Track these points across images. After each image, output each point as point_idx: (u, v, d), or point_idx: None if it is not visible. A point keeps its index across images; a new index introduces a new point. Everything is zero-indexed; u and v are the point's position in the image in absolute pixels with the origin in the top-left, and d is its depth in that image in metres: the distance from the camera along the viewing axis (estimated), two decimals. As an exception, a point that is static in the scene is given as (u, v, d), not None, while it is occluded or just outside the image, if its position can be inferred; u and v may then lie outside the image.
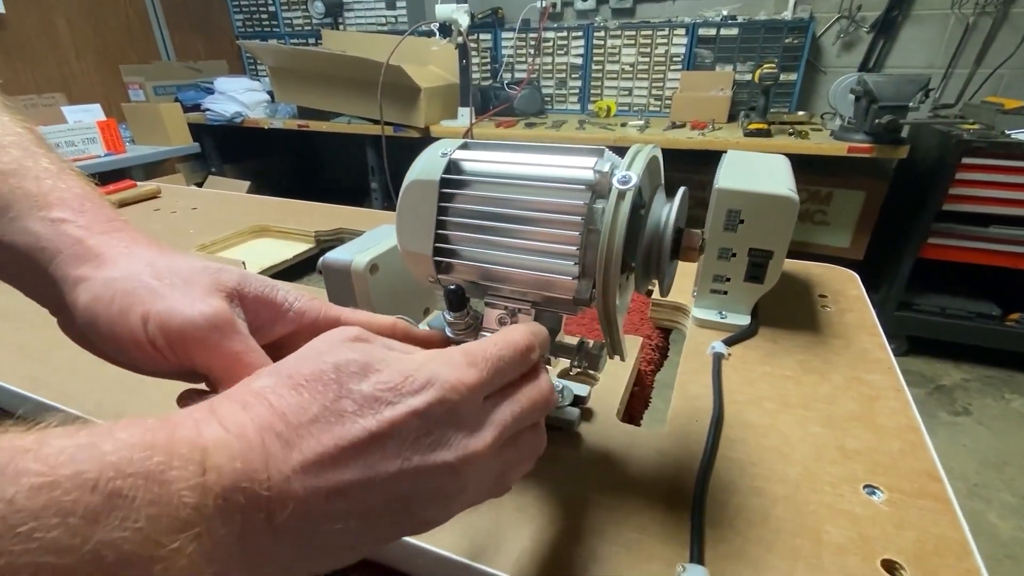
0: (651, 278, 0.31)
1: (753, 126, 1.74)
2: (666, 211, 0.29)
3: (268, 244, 0.81)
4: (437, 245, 0.32)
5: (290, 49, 2.32)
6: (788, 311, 0.54)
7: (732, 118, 2.09)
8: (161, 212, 0.90)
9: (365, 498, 0.17)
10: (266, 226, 0.83)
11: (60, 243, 0.23)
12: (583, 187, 0.29)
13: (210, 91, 2.63)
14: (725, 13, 2.21)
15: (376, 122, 2.16)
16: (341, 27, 2.87)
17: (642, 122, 2.10)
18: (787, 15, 2.11)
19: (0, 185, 0.24)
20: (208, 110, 2.55)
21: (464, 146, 0.33)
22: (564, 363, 0.45)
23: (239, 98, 2.54)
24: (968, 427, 1.55)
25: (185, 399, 0.24)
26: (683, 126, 2.03)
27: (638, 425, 0.43)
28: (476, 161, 0.32)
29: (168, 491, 0.14)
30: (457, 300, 0.31)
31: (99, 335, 0.22)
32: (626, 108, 2.43)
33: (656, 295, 0.58)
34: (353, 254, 0.37)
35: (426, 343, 0.31)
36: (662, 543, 0.30)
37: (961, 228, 1.58)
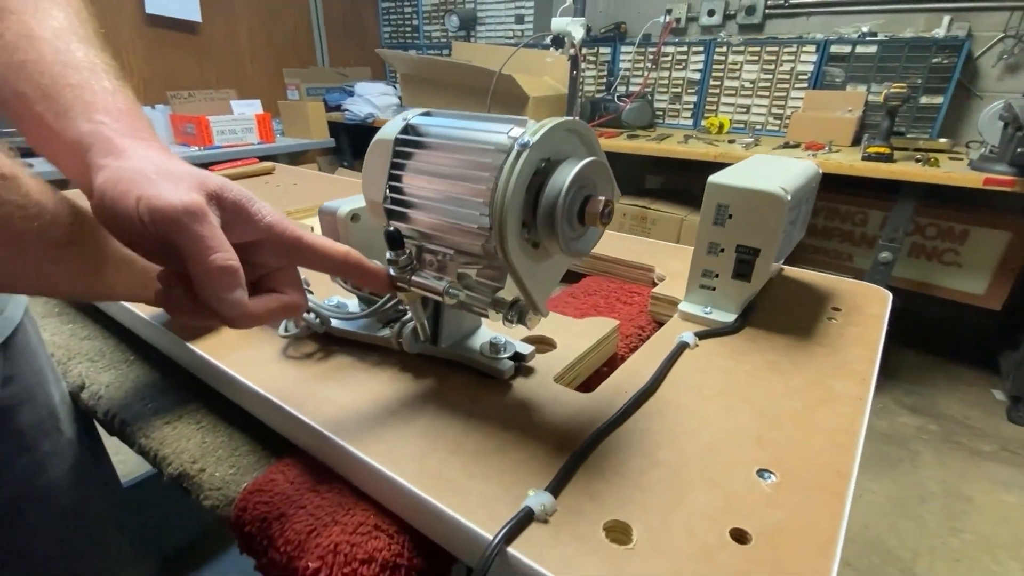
0: (556, 238, 0.34)
1: (873, 150, 1.59)
2: (565, 175, 0.32)
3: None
4: (389, 195, 0.38)
5: (417, 57, 2.54)
6: (787, 318, 0.52)
7: (856, 142, 1.92)
8: (268, 185, 1.07)
9: None
10: (344, 201, 0.95)
11: (96, 139, 0.31)
12: (495, 148, 0.33)
13: (351, 93, 2.96)
14: (865, 30, 2.04)
15: (485, 126, 2.29)
16: (473, 39, 3.08)
17: (751, 140, 2.01)
18: (939, 32, 1.89)
19: (68, 94, 0.33)
20: (347, 110, 2.87)
21: (427, 113, 0.39)
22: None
23: (373, 101, 2.83)
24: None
25: (160, 274, 0.32)
26: (797, 146, 1.91)
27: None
28: (428, 126, 0.37)
29: None
30: (394, 240, 0.36)
31: (104, 209, 0.29)
32: (742, 126, 2.32)
33: (657, 289, 0.59)
34: (340, 204, 0.44)
35: (373, 275, 0.37)
36: (533, 474, 0.33)
37: None
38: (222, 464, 0.40)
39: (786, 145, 1.93)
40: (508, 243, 0.32)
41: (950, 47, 1.83)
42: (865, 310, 0.55)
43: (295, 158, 2.69)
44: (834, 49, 2.05)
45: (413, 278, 0.37)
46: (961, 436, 1.62)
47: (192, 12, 2.67)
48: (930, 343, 2.06)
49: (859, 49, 2.01)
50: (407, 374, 0.43)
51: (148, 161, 0.30)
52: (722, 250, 0.50)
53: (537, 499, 0.30)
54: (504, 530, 0.28)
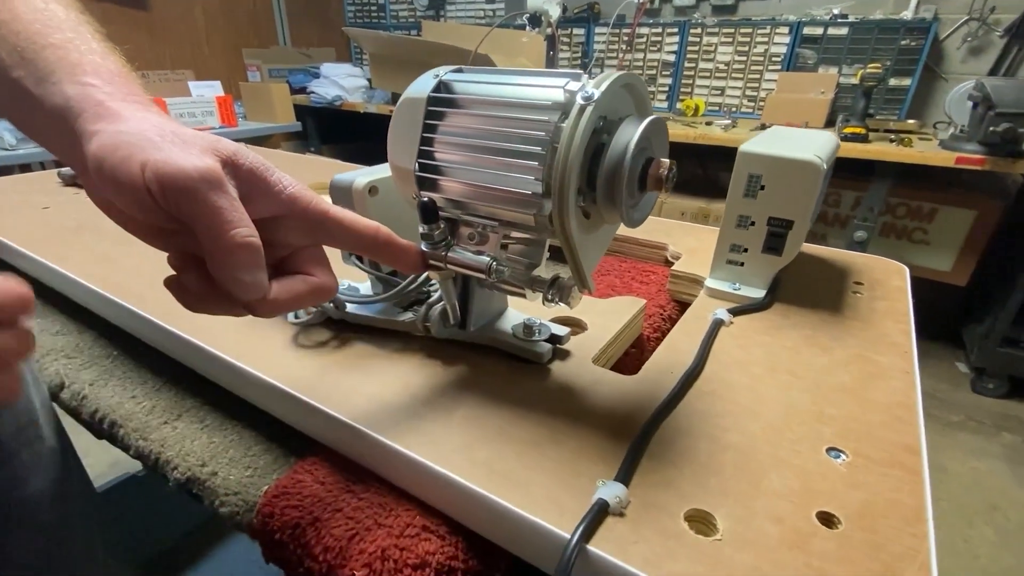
0: (616, 206, 0.32)
1: (849, 130, 1.62)
2: (632, 135, 0.30)
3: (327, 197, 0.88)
4: (420, 161, 0.34)
5: (387, 36, 2.46)
6: (813, 292, 0.51)
7: (830, 123, 1.95)
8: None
9: None
10: (325, 184, 0.90)
11: (85, 104, 0.26)
12: (551, 105, 0.30)
13: (316, 75, 2.84)
14: (836, 11, 2.06)
15: (460, 108, 2.23)
16: (443, 19, 2.99)
17: (728, 122, 2.02)
18: (907, 15, 1.93)
19: (49, 55, 0.28)
20: (312, 93, 2.75)
21: (459, 70, 0.35)
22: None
23: (340, 82, 2.72)
24: (1075, 486, 1.35)
25: (171, 256, 0.28)
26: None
27: (620, 376, 0.43)
28: (464, 82, 0.34)
29: None
30: (429, 212, 0.33)
31: (102, 179, 0.25)
32: (716, 108, 2.33)
33: (676, 266, 0.57)
34: (356, 176, 0.40)
35: (405, 253, 0.33)
36: (595, 463, 0.30)
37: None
38: (236, 466, 0.36)
39: (763, 127, 1.94)
40: (569, 210, 0.29)
41: (918, 29, 1.87)
42: (887, 283, 0.54)
43: (259, 143, 2.57)
44: (807, 31, 2.07)
45: (449, 254, 0.34)
46: (931, 407, 1.68)
47: (141, -15, 2.50)
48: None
49: (831, 31, 2.03)
50: (435, 360, 0.40)
51: (148, 123, 0.26)
52: (752, 223, 0.48)
53: (609, 490, 0.27)
54: (581, 526, 0.25)
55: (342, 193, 0.40)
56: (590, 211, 0.32)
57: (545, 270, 0.36)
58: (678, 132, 1.89)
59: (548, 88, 0.30)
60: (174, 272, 0.28)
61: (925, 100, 2.02)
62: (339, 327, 0.44)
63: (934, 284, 1.75)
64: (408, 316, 0.42)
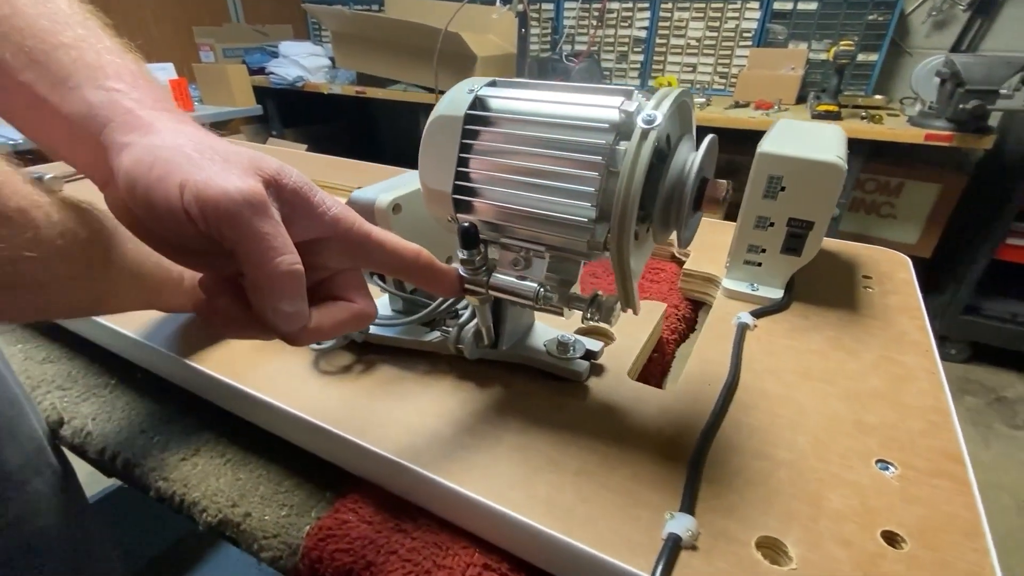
0: (670, 228, 0.31)
1: (822, 107, 1.64)
2: (691, 158, 0.29)
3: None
4: (457, 183, 0.32)
5: (352, 13, 2.35)
6: (826, 289, 0.52)
7: (801, 99, 1.97)
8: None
9: None
10: (313, 179, 0.85)
11: (112, 111, 0.24)
12: (607, 127, 0.28)
13: (275, 55, 2.71)
14: (804, -14, 2.07)
15: (431, 90, 2.17)
16: (405, -7, 2.88)
17: (703, 100, 2.02)
18: (874, -11, 1.95)
19: (63, 56, 0.25)
20: (272, 73, 2.62)
21: (493, 83, 0.33)
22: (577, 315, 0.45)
23: (301, 62, 2.60)
24: (1030, 443, 1.45)
25: (204, 280, 0.26)
26: (747, 105, 1.94)
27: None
28: (503, 98, 0.32)
29: None
30: (470, 238, 0.31)
31: (136, 200, 0.23)
32: (688, 85, 2.33)
33: (688, 265, 0.57)
34: (378, 193, 0.38)
35: (444, 277, 0.32)
36: (654, 491, 0.30)
37: (1046, 229, 1.46)
38: (269, 505, 0.35)
39: (736, 104, 1.96)
40: (629, 237, 0.28)
41: (885, 4, 1.90)
42: (894, 276, 0.55)
43: (218, 129, 2.45)
44: (777, 6, 2.08)
45: (491, 280, 0.32)
46: (898, 374, 1.76)
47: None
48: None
49: (800, 6, 2.04)
50: (468, 382, 0.39)
51: (185, 137, 0.24)
52: (771, 224, 0.48)
53: (679, 523, 0.27)
54: (660, 565, 0.25)
55: (363, 212, 0.38)
56: (639, 231, 0.31)
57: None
58: (654, 111, 1.88)
59: (600, 108, 0.29)
60: (208, 296, 0.26)
61: (891, 75, 2.06)
62: (361, 350, 0.42)
63: (900, 256, 1.82)
64: (435, 336, 0.40)
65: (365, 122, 3.46)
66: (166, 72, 2.22)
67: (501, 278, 0.32)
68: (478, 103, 0.32)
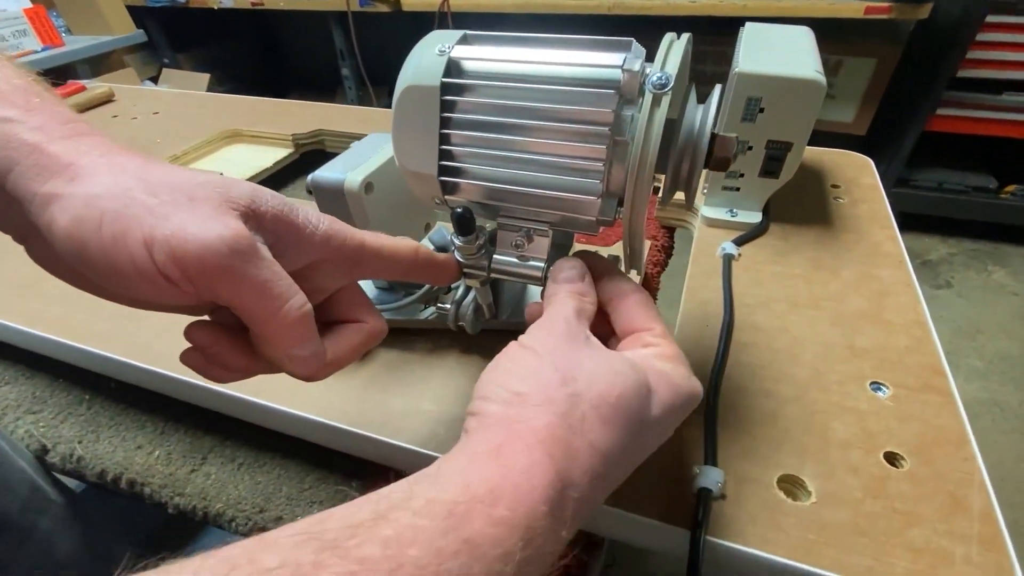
0: (679, 190, 0.30)
1: (763, -13, 1.58)
2: (700, 115, 0.27)
3: (243, 151, 0.76)
4: (443, 163, 0.29)
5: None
6: (799, 205, 0.53)
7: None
8: (120, 119, 0.83)
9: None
10: (238, 130, 0.77)
11: (13, 152, 0.19)
12: (610, 92, 0.26)
13: (150, -35, 2.33)
14: None
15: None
16: None
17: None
18: None
19: None
20: (150, -11, 2.27)
21: (464, 39, 0.29)
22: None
23: (184, -28, 2.25)
24: (947, 299, 1.61)
25: (193, 331, 0.23)
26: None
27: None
28: (481, 59, 0.28)
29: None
30: (465, 224, 0.29)
31: (92, 268, 0.19)
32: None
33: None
34: (345, 172, 0.34)
35: (444, 268, 0.30)
36: (676, 445, 0.31)
37: (972, 96, 1.52)
38: (297, 505, 0.35)
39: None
40: (643, 208, 0.26)
41: None
42: (860, 182, 0.57)
43: (98, 63, 2.13)
44: None
45: (492, 264, 0.31)
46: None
47: None
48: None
49: None
50: (471, 356, 0.38)
51: (127, 176, 0.20)
52: (750, 148, 0.47)
53: (708, 477, 0.29)
54: (697, 520, 0.27)
55: (331, 196, 0.34)
56: (644, 195, 0.30)
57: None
58: (590, 3, 1.77)
59: (599, 68, 0.26)
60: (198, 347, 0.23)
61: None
62: (356, 333, 0.40)
63: (837, 136, 1.87)
64: (431, 312, 0.39)
65: (271, 40, 3.09)
66: (17, 0, 1.88)
67: (503, 260, 0.31)
68: (453, 68, 0.28)
